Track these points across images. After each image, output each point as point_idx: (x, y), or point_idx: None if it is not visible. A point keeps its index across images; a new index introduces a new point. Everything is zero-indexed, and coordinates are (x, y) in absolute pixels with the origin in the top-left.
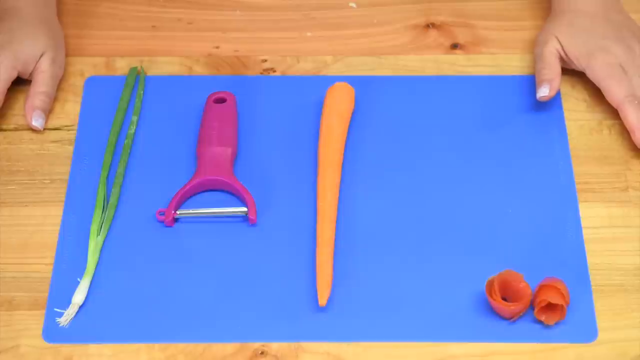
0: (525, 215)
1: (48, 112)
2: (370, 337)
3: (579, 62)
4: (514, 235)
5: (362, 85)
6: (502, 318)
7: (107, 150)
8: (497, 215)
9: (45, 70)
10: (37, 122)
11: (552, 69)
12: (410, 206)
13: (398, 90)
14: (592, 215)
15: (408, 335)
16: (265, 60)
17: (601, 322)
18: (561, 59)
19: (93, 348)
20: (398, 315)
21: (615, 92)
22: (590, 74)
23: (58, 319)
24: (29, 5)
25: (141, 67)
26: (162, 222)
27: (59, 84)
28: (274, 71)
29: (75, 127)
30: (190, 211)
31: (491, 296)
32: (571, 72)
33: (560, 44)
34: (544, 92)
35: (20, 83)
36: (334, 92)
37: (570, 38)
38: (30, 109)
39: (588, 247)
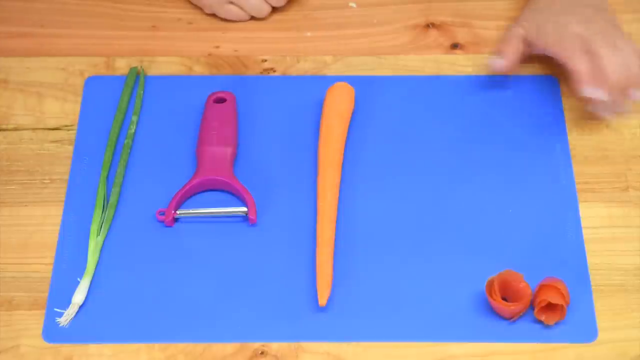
0: (525, 215)
1: None
2: (370, 337)
3: (538, 39)
4: (514, 235)
5: (362, 85)
6: (502, 318)
7: (107, 150)
8: (497, 215)
9: None
10: None
11: (510, 44)
12: (410, 206)
13: (398, 90)
14: (592, 215)
15: (408, 335)
16: (265, 60)
17: (601, 322)
18: (527, 43)
19: (93, 348)
20: (398, 315)
21: (566, 48)
22: (543, 41)
23: (58, 319)
24: None
25: (141, 67)
26: (162, 222)
27: (59, 85)
28: (274, 71)
29: (75, 127)
30: (190, 211)
31: (491, 296)
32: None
33: (525, 28)
34: (496, 63)
35: (18, 83)
36: (334, 92)
37: (532, 19)
38: None
39: (588, 247)
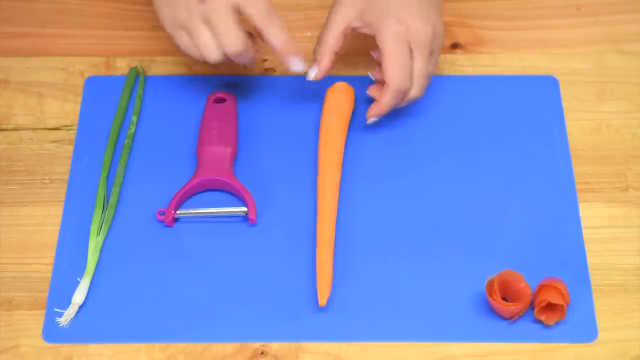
0: (525, 215)
1: None
2: (370, 337)
3: (371, 28)
4: (514, 235)
5: (362, 85)
6: (502, 318)
7: (107, 150)
8: (497, 215)
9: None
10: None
11: (327, 45)
12: (410, 206)
13: None
14: (592, 215)
15: (408, 335)
16: (265, 60)
17: (601, 322)
18: (350, 28)
19: (93, 348)
20: (398, 315)
21: (390, 72)
22: (378, 39)
23: (58, 319)
24: None
25: (141, 67)
26: (162, 222)
27: (59, 85)
28: (274, 71)
29: (75, 127)
30: (190, 211)
31: (491, 296)
32: (571, 72)
33: (357, 10)
34: (310, 76)
35: (18, 83)
36: (334, 92)
37: (368, 4)
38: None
39: (588, 247)
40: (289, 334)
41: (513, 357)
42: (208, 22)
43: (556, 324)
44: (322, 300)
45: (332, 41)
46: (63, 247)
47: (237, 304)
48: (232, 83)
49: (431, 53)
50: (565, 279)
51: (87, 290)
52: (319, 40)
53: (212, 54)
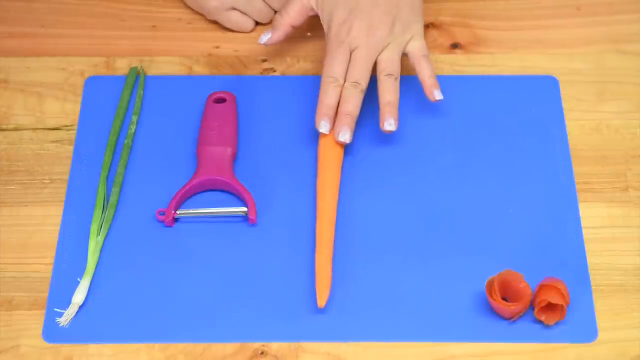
0: (525, 215)
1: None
2: (370, 337)
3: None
4: (514, 235)
5: None
6: (502, 318)
7: (107, 150)
8: (497, 215)
9: None
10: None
11: (288, 17)
12: (410, 206)
13: None
14: (592, 215)
15: (408, 335)
16: (265, 60)
17: (601, 322)
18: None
19: (93, 348)
20: (398, 315)
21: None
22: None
23: (58, 319)
24: None
25: (141, 67)
26: (162, 222)
27: (59, 85)
28: (274, 71)
29: (75, 127)
30: (190, 211)
31: (491, 296)
32: (571, 72)
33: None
34: (261, 40)
35: (18, 83)
36: None
37: None
38: None
39: (588, 247)
40: (288, 334)
41: (513, 357)
42: None
43: (556, 324)
44: (321, 302)
45: (294, 15)
46: (63, 247)
47: (237, 304)
48: (232, 83)
49: None
50: (565, 279)
51: (87, 290)
52: (280, 11)
53: (269, 15)
